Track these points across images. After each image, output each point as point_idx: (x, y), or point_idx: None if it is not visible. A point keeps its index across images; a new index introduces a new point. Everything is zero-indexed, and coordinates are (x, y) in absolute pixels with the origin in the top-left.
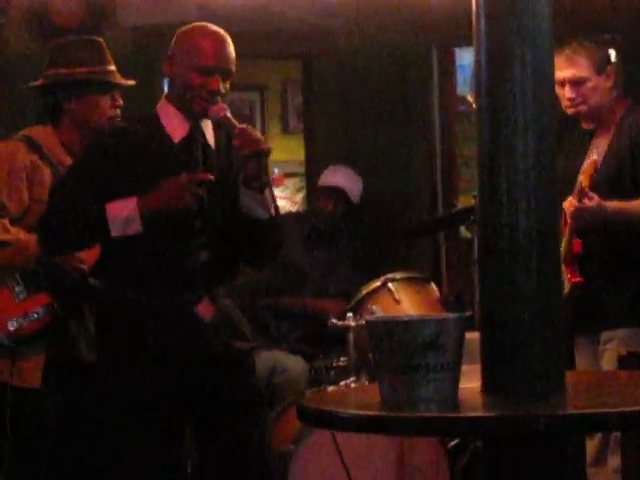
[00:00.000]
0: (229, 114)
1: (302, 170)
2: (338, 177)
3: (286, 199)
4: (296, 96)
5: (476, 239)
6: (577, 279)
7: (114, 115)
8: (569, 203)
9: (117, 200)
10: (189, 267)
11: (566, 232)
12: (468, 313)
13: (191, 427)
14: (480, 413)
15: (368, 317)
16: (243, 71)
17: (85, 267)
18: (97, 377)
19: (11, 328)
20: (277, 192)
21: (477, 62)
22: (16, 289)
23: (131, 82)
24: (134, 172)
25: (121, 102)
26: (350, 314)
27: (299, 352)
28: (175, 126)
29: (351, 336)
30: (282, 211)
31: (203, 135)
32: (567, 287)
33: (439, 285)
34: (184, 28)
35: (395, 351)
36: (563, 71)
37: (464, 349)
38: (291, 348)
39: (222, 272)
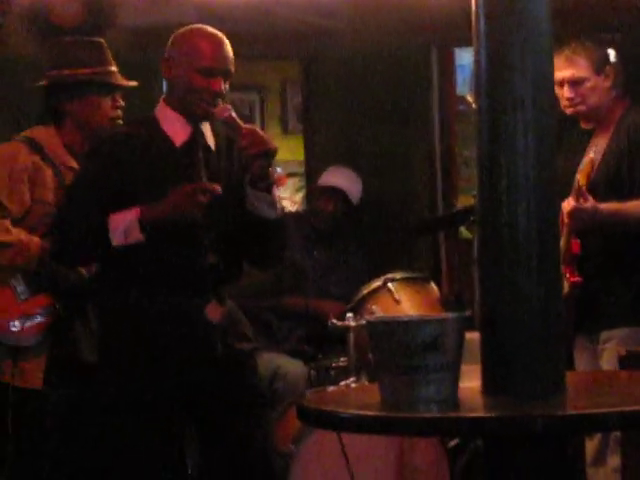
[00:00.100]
0: (234, 114)
1: (301, 170)
2: (338, 177)
3: (286, 199)
4: (295, 96)
5: (476, 239)
6: (576, 279)
7: (115, 116)
8: (567, 203)
9: (121, 210)
10: (197, 270)
11: (564, 232)
12: (468, 313)
13: (194, 428)
14: (480, 413)
15: (368, 317)
16: (242, 72)
17: (84, 270)
18: (99, 378)
19: (13, 328)
20: (277, 192)
21: (477, 63)
22: (18, 290)
23: (133, 83)
24: (137, 177)
25: (122, 103)
26: (350, 314)
27: (300, 352)
28: (176, 130)
29: (351, 336)
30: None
31: (204, 138)
32: (566, 287)
33: (439, 285)
34: (180, 30)
35: (395, 351)
36: (562, 71)
37: (464, 349)
38: (292, 348)
39: (229, 274)
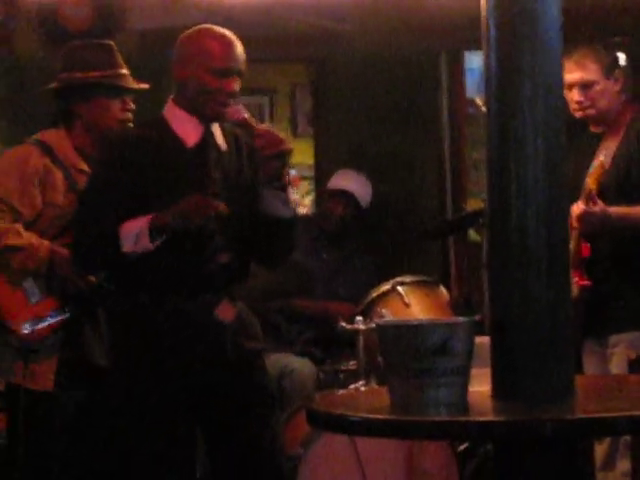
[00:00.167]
0: (247, 115)
1: (311, 173)
2: (347, 181)
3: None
4: (305, 100)
5: (485, 242)
6: (585, 282)
7: (125, 118)
8: (576, 207)
9: (135, 215)
10: (209, 270)
11: (573, 235)
12: (477, 317)
13: (202, 430)
14: (490, 417)
15: (377, 321)
16: (252, 75)
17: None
18: (109, 380)
19: (24, 331)
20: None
21: (486, 66)
22: (29, 293)
23: (144, 85)
24: (150, 179)
25: (132, 106)
26: (359, 317)
27: (308, 355)
28: (187, 130)
29: (360, 339)
30: None
31: (214, 138)
32: (575, 291)
33: (448, 288)
34: (189, 31)
35: (405, 355)
36: (571, 74)
37: (474, 353)
38: (301, 351)
39: (239, 273)
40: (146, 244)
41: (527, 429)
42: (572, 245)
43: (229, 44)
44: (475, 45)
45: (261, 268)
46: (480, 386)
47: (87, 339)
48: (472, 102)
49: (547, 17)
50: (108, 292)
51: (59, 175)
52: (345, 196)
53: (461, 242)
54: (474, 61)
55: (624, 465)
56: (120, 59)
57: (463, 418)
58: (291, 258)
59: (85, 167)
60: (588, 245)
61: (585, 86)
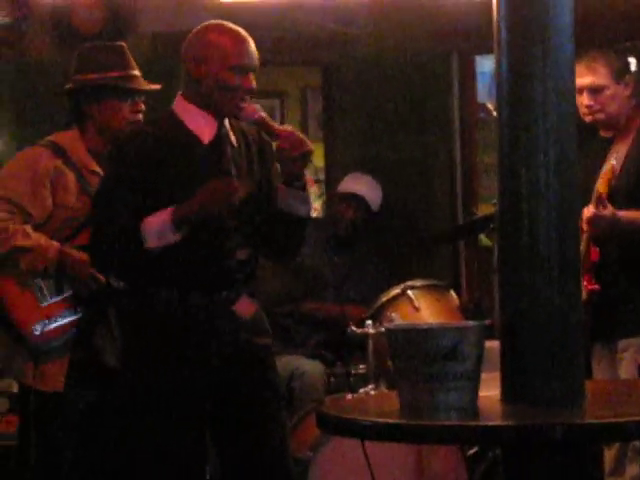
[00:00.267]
0: (263, 114)
1: (322, 177)
2: (357, 184)
3: None
4: (316, 103)
5: (496, 247)
6: (594, 287)
7: (135, 120)
8: (587, 210)
9: (154, 212)
10: (227, 266)
11: (583, 239)
12: (487, 321)
13: (212, 429)
14: (499, 422)
15: (387, 324)
16: (263, 78)
17: (101, 276)
18: (121, 380)
19: (35, 332)
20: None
21: (498, 71)
22: (39, 294)
23: (156, 86)
24: (167, 177)
25: (143, 107)
26: (369, 321)
27: (318, 357)
28: (202, 127)
29: (370, 343)
30: None
31: (228, 134)
32: (584, 295)
33: (458, 293)
34: (200, 28)
35: (414, 359)
36: (581, 78)
37: (484, 357)
38: (311, 353)
39: (255, 269)
40: (171, 237)
41: (537, 434)
42: (582, 249)
43: (244, 41)
44: (487, 49)
45: (271, 271)
46: (489, 390)
47: (98, 340)
48: (483, 106)
49: (559, 21)
50: (118, 292)
51: (71, 177)
52: (356, 199)
53: (472, 247)
54: (485, 65)
55: (633, 470)
56: (131, 60)
57: (473, 422)
58: (302, 261)
59: (98, 169)
60: (597, 249)
61: (595, 90)
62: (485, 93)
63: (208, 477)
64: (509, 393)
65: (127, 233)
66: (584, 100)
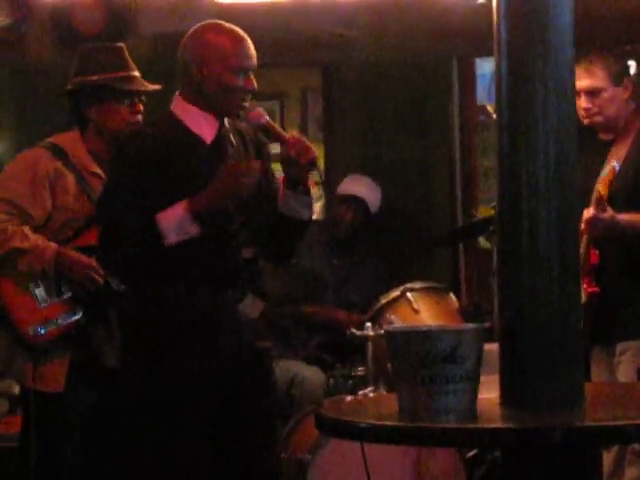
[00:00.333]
0: (267, 117)
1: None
2: (357, 186)
3: None
4: (316, 105)
5: (495, 249)
6: (593, 289)
7: (134, 121)
8: (587, 212)
9: (166, 209)
10: (233, 264)
11: (583, 242)
12: (487, 324)
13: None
14: (498, 424)
15: (387, 327)
16: (263, 79)
17: (99, 277)
18: (121, 381)
19: (33, 334)
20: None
21: (498, 74)
22: (39, 295)
23: (155, 86)
24: (171, 177)
25: (141, 108)
26: (369, 324)
27: (318, 360)
28: (203, 127)
29: (369, 346)
30: None
31: (228, 134)
32: (583, 297)
33: (458, 295)
34: (197, 29)
35: (414, 361)
36: (579, 81)
37: (483, 359)
38: (310, 356)
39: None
40: (192, 230)
41: (536, 436)
42: (581, 252)
43: (244, 41)
44: (486, 51)
45: (271, 273)
46: (489, 393)
47: (98, 341)
48: (483, 109)
49: (559, 24)
50: (119, 294)
51: (70, 178)
52: (355, 201)
53: (471, 249)
54: (485, 67)
55: (632, 473)
56: (129, 61)
57: (472, 425)
58: (302, 263)
59: (98, 170)
60: (597, 252)
61: (593, 93)
62: (485, 95)
63: None
64: (508, 395)
65: (144, 231)
66: (582, 103)
